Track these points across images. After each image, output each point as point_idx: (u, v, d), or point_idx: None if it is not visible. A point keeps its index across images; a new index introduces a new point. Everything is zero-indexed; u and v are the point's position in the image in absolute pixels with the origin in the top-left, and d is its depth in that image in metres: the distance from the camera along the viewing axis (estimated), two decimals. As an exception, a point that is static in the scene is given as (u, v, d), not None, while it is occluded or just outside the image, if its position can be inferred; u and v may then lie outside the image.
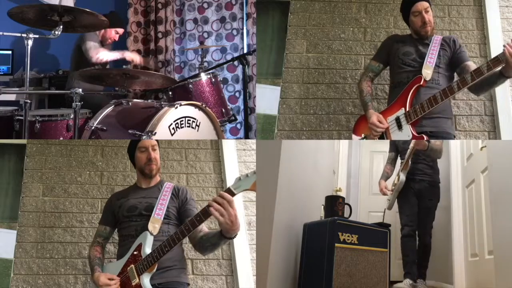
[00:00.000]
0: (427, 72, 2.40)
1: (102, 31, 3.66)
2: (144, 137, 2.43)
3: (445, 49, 2.48)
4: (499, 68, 2.22)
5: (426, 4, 2.50)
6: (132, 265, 1.95)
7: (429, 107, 2.31)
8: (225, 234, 1.82)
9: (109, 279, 1.96)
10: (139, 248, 1.97)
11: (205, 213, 1.80)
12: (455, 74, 2.55)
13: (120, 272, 1.99)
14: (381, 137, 2.47)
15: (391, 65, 2.64)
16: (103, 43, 3.75)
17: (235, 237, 1.85)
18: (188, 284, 2.10)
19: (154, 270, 1.93)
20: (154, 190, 2.17)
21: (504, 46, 2.14)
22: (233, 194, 1.77)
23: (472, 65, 2.43)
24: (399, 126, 2.41)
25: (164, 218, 2.05)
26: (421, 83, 2.40)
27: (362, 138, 2.57)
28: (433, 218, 3.23)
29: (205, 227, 2.02)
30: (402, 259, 3.18)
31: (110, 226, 2.19)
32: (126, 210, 2.11)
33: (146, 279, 1.91)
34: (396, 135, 2.44)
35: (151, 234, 1.99)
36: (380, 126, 2.43)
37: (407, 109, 2.38)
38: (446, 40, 2.51)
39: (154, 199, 2.11)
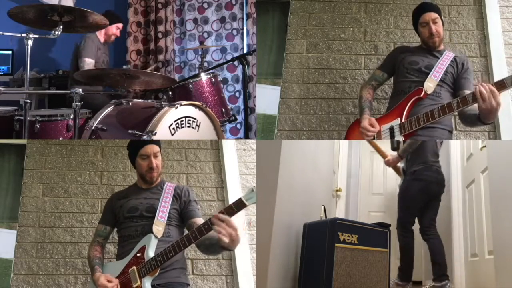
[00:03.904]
0: (430, 85, 2.35)
1: (103, 31, 3.67)
2: (144, 137, 2.43)
3: (453, 67, 2.43)
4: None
5: (434, 15, 2.45)
6: (134, 267, 1.94)
7: (425, 121, 2.24)
8: (225, 247, 1.80)
9: (108, 280, 1.95)
10: (143, 250, 1.96)
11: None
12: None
13: (121, 273, 1.98)
14: (373, 139, 2.44)
15: (396, 73, 2.59)
16: (106, 42, 3.76)
17: (235, 248, 1.84)
18: (188, 285, 2.10)
19: (156, 274, 1.92)
20: (155, 191, 2.16)
21: (475, 86, 2.10)
22: (244, 205, 1.76)
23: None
24: (392, 136, 2.36)
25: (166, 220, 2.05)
26: (421, 95, 2.34)
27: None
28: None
29: None
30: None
31: (110, 226, 2.18)
32: (126, 211, 2.10)
33: (147, 283, 1.90)
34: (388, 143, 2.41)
35: (156, 237, 1.98)
36: (371, 130, 2.37)
37: (403, 121, 2.33)
38: (456, 59, 2.45)
39: (155, 200, 2.10)
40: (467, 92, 2.33)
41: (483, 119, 2.17)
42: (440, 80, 2.38)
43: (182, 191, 2.15)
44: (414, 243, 3.20)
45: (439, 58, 2.45)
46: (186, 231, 2.12)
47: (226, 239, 1.72)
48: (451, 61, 2.43)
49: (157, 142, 2.19)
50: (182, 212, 2.11)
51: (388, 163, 3.25)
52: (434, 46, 2.49)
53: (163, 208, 2.06)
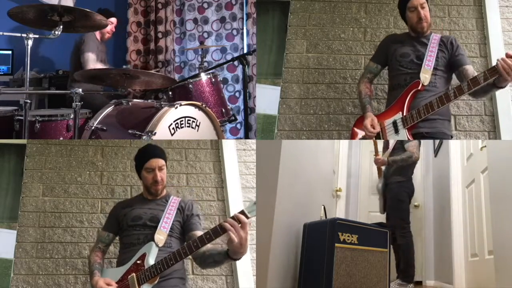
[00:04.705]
0: (425, 76, 2.41)
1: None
2: (144, 137, 2.43)
3: (443, 51, 2.47)
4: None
5: (422, 0, 2.49)
6: (134, 274, 1.94)
7: (426, 113, 2.32)
8: (232, 255, 1.81)
9: (107, 284, 1.95)
10: (143, 257, 1.96)
11: (216, 232, 1.79)
12: (453, 75, 2.54)
13: (120, 279, 1.98)
14: (378, 137, 2.48)
15: (389, 67, 2.63)
16: (102, 39, 3.77)
17: (240, 258, 1.84)
18: None
19: (156, 282, 1.91)
20: (159, 203, 2.17)
21: (497, 60, 2.14)
22: (246, 217, 1.76)
23: (470, 69, 2.43)
24: (396, 130, 2.42)
25: (168, 231, 2.06)
26: (419, 87, 2.40)
27: (361, 138, 2.58)
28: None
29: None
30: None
31: (112, 233, 2.19)
32: (130, 219, 2.11)
33: None
34: (393, 138, 2.46)
35: (157, 245, 1.99)
36: (371, 130, 2.44)
37: (404, 114, 2.40)
38: (444, 40, 2.49)
39: (160, 211, 2.11)
40: (466, 66, 2.42)
41: (500, 83, 2.21)
42: (434, 67, 2.43)
43: (186, 204, 2.17)
44: (415, 245, 3.44)
45: (427, 44, 2.48)
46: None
47: (236, 239, 1.72)
48: (439, 44, 2.47)
49: (163, 156, 2.20)
50: (184, 225, 2.13)
51: (377, 162, 3.51)
52: (423, 32, 2.52)
53: (166, 219, 2.07)
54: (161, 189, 2.18)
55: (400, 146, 3.49)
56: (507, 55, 2.12)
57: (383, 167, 3.59)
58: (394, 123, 2.42)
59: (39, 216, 2.76)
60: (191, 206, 2.17)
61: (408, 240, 3.36)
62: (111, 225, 2.20)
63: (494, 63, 3.16)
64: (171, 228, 2.06)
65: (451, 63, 2.47)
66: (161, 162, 2.16)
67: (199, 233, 2.05)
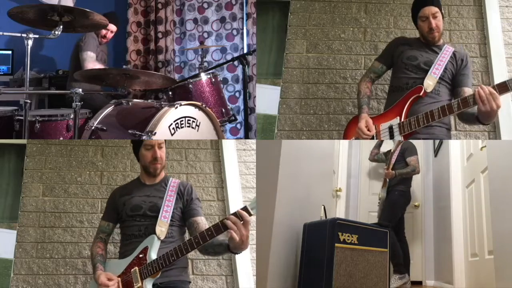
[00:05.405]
0: (429, 83, 2.32)
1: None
2: (144, 137, 2.43)
3: (452, 63, 2.38)
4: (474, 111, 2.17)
5: (434, 9, 2.38)
6: (136, 268, 1.94)
7: (425, 122, 2.22)
8: (232, 249, 1.83)
9: (109, 279, 1.95)
10: (145, 251, 1.96)
11: (218, 229, 1.79)
12: None
13: (123, 272, 1.98)
14: (372, 139, 2.42)
15: (394, 68, 2.55)
16: (100, 43, 3.77)
17: (240, 253, 1.86)
18: (189, 282, 2.11)
19: (158, 276, 1.92)
20: (158, 188, 2.14)
21: (475, 88, 2.07)
22: (249, 214, 1.76)
23: (468, 91, 2.33)
24: (391, 136, 2.34)
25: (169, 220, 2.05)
26: (421, 94, 2.31)
27: (355, 138, 2.55)
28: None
29: None
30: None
31: (112, 222, 2.17)
32: (130, 209, 2.08)
33: (149, 285, 1.90)
34: (387, 142, 2.41)
35: (158, 238, 1.98)
36: (366, 133, 2.36)
37: (402, 120, 2.31)
38: (456, 54, 2.40)
39: (159, 198, 2.09)
40: (466, 89, 2.34)
41: (482, 120, 2.18)
42: (440, 77, 2.35)
43: (185, 188, 2.14)
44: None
45: (438, 53, 2.40)
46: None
47: (237, 237, 1.73)
48: (451, 57, 2.38)
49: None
50: (185, 210, 2.11)
51: (387, 174, 3.70)
52: (434, 41, 2.43)
53: (166, 207, 2.05)
54: (160, 169, 2.15)
55: (401, 158, 3.70)
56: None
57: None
58: (390, 128, 2.35)
59: (39, 216, 2.76)
60: (190, 189, 2.14)
61: (394, 238, 3.51)
62: (110, 214, 2.17)
63: (494, 63, 3.20)
64: (172, 217, 2.05)
65: (453, 78, 2.39)
66: (160, 139, 2.15)
67: (199, 219, 2.06)
